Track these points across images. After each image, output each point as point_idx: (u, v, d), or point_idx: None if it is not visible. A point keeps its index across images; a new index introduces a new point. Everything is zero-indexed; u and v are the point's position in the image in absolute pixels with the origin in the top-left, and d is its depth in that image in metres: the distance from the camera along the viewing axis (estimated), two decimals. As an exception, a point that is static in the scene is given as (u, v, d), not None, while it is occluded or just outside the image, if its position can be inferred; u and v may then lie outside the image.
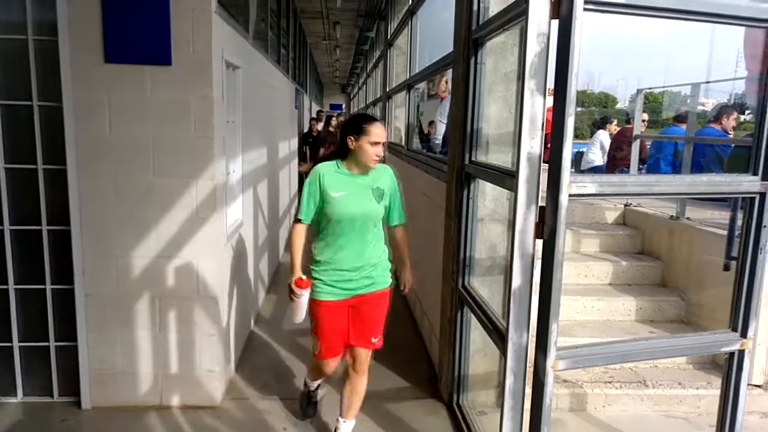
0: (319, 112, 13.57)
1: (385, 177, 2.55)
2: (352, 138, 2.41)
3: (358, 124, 2.43)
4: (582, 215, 4.60)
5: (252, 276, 4.33)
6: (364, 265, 2.49)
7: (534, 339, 2.03)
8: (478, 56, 2.79)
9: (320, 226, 2.50)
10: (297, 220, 2.50)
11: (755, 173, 2.15)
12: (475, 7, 2.78)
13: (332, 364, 2.64)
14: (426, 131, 6.67)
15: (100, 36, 2.71)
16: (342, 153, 2.49)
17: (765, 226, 2.16)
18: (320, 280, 2.49)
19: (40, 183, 2.85)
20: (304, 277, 2.47)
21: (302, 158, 9.83)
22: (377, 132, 2.40)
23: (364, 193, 2.47)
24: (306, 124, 10.44)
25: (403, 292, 2.73)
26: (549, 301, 1.94)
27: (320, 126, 11.00)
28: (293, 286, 2.46)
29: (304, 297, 2.48)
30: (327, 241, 2.48)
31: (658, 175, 5.33)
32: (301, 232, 2.52)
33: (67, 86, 2.73)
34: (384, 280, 2.58)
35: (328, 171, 2.46)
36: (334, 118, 10.72)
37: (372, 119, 2.48)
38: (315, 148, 9.82)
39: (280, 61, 6.70)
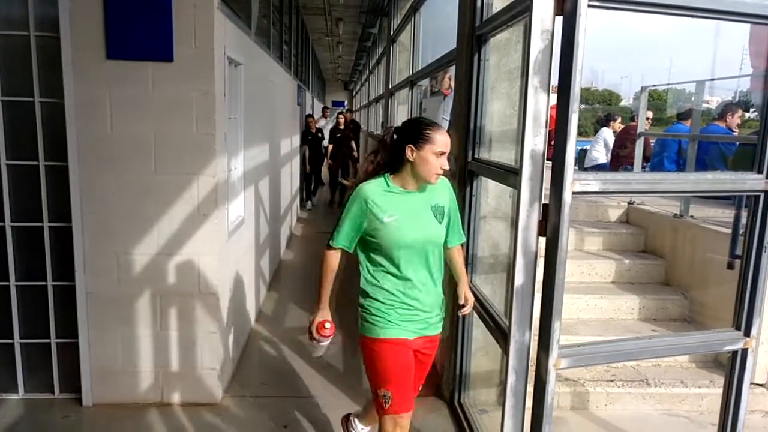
0: (324, 108, 13.42)
1: (443, 191, 2.11)
2: (413, 147, 1.96)
3: (419, 131, 1.97)
4: (585, 213, 4.58)
5: (253, 273, 4.32)
6: (433, 302, 2.10)
7: (536, 337, 2.03)
8: (481, 53, 2.77)
9: (372, 255, 2.06)
10: (329, 246, 2.07)
11: (760, 171, 2.14)
12: (478, 4, 2.77)
13: (407, 423, 2.07)
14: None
15: (102, 32, 2.70)
16: (393, 166, 2.03)
17: (770, 225, 2.15)
18: (384, 317, 2.03)
19: (41, 180, 2.85)
20: (329, 322, 2.08)
21: (302, 159, 9.55)
22: (443, 140, 1.96)
23: (423, 213, 2.03)
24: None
25: (462, 312, 2.28)
26: (552, 299, 1.93)
27: (320, 123, 10.83)
28: (314, 331, 2.07)
29: (323, 344, 2.13)
30: (386, 273, 2.04)
31: (662, 173, 5.30)
32: (335, 260, 2.09)
33: (68, 83, 2.73)
34: (443, 322, 2.21)
35: (375, 192, 2.00)
36: (341, 115, 10.48)
37: (435, 124, 2.03)
38: (315, 147, 9.73)
39: (282, 58, 6.68)
